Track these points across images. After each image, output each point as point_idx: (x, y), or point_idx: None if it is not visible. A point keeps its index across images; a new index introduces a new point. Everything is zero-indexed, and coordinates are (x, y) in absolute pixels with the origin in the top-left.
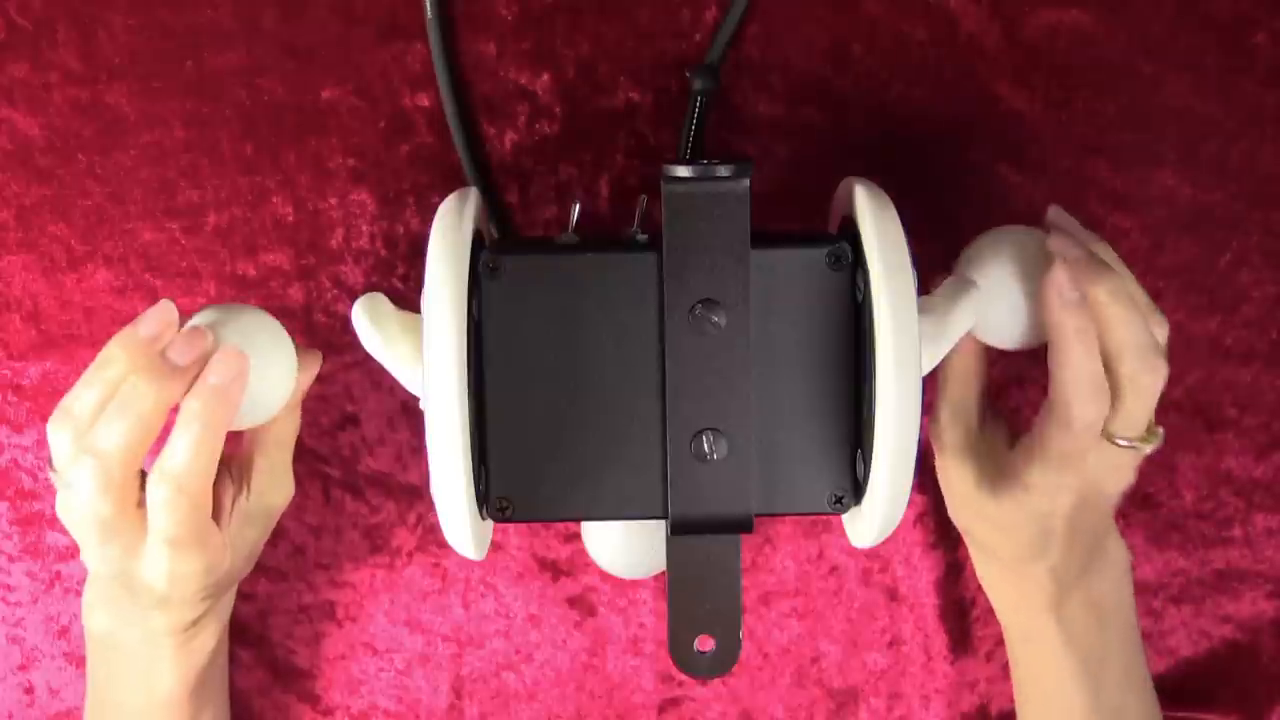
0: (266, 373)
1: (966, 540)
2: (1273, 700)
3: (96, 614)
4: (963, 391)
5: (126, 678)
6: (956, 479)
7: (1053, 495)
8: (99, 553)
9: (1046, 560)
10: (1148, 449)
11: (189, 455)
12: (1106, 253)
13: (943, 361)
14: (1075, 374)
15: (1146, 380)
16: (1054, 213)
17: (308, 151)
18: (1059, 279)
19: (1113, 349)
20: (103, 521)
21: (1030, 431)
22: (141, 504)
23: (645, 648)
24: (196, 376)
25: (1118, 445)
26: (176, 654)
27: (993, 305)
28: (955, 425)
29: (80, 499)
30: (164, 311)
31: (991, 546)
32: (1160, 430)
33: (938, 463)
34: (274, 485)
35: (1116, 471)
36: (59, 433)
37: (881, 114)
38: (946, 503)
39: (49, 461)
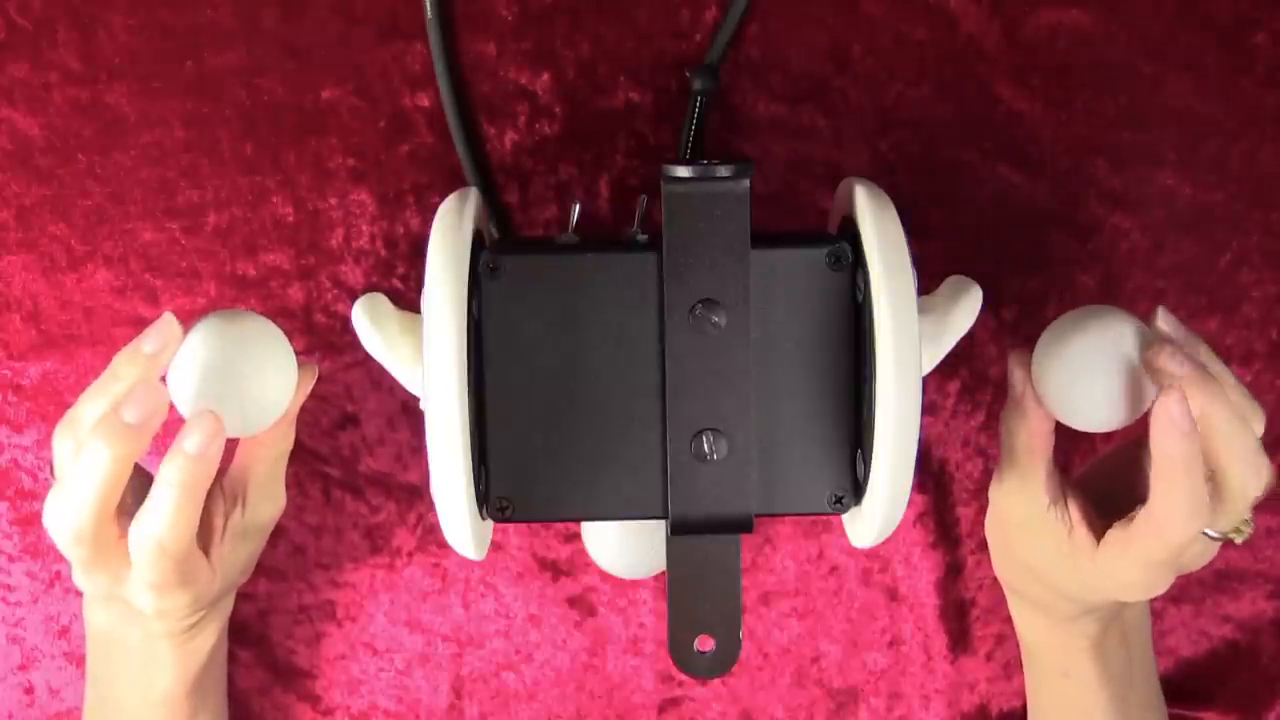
0: (265, 380)
1: (1006, 592)
2: (1273, 700)
3: (96, 611)
4: (1029, 461)
5: (125, 674)
6: (1019, 550)
7: (1141, 590)
8: (85, 578)
9: (1098, 613)
10: (1239, 540)
11: (168, 518)
12: (1206, 353)
13: (1007, 435)
14: (1179, 497)
15: (1253, 487)
16: (1163, 318)
17: (308, 151)
18: (1173, 410)
19: (1221, 459)
20: (81, 562)
21: (1123, 530)
22: (124, 537)
23: (645, 648)
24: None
25: (1210, 538)
26: (175, 653)
27: (1080, 392)
28: (1023, 499)
29: (59, 543)
30: (166, 326)
31: (1043, 605)
32: (1251, 518)
33: (996, 531)
34: (267, 499)
35: (1203, 556)
36: (63, 442)
37: (881, 114)
38: (993, 559)
39: (50, 467)
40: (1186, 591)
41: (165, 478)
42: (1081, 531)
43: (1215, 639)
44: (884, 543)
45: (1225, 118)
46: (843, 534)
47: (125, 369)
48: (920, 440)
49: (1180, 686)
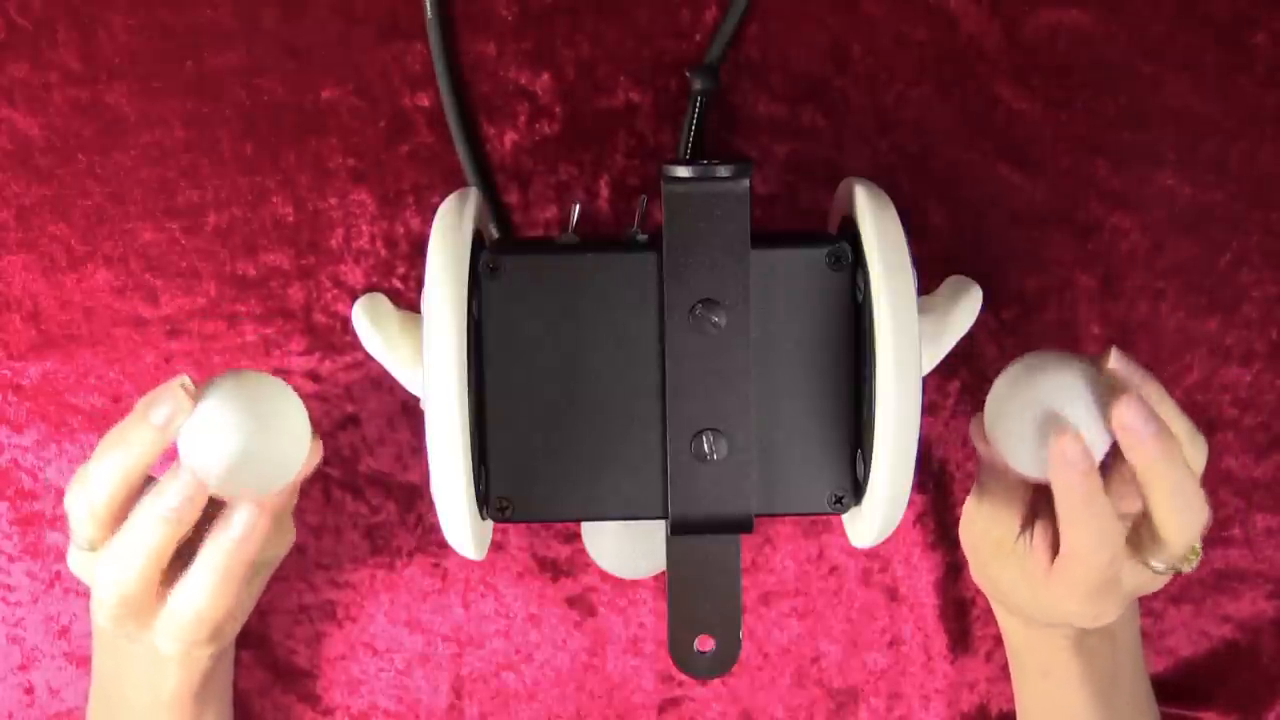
0: (283, 443)
1: (986, 595)
2: (1273, 700)
3: None
4: (1004, 503)
5: (133, 676)
6: (990, 567)
7: (1090, 618)
8: (113, 617)
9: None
10: (1187, 569)
11: (209, 597)
12: (1156, 390)
13: (983, 479)
14: (1086, 533)
15: (1190, 527)
16: (1116, 359)
17: (308, 151)
18: (1069, 451)
19: (1155, 503)
20: (125, 599)
21: (1059, 561)
22: (167, 583)
23: (645, 648)
24: (199, 506)
25: (1156, 571)
26: (183, 656)
27: (1021, 448)
28: (996, 526)
29: (107, 585)
30: (175, 397)
31: (1019, 613)
32: (1199, 548)
33: (969, 544)
34: (277, 540)
35: (1154, 581)
36: (77, 503)
37: (881, 114)
38: (970, 567)
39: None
40: (1186, 591)
41: (209, 562)
42: (1040, 557)
43: (1215, 639)
44: (884, 543)
45: (1225, 117)
46: (843, 534)
47: (135, 434)
48: (920, 440)
49: (1180, 686)
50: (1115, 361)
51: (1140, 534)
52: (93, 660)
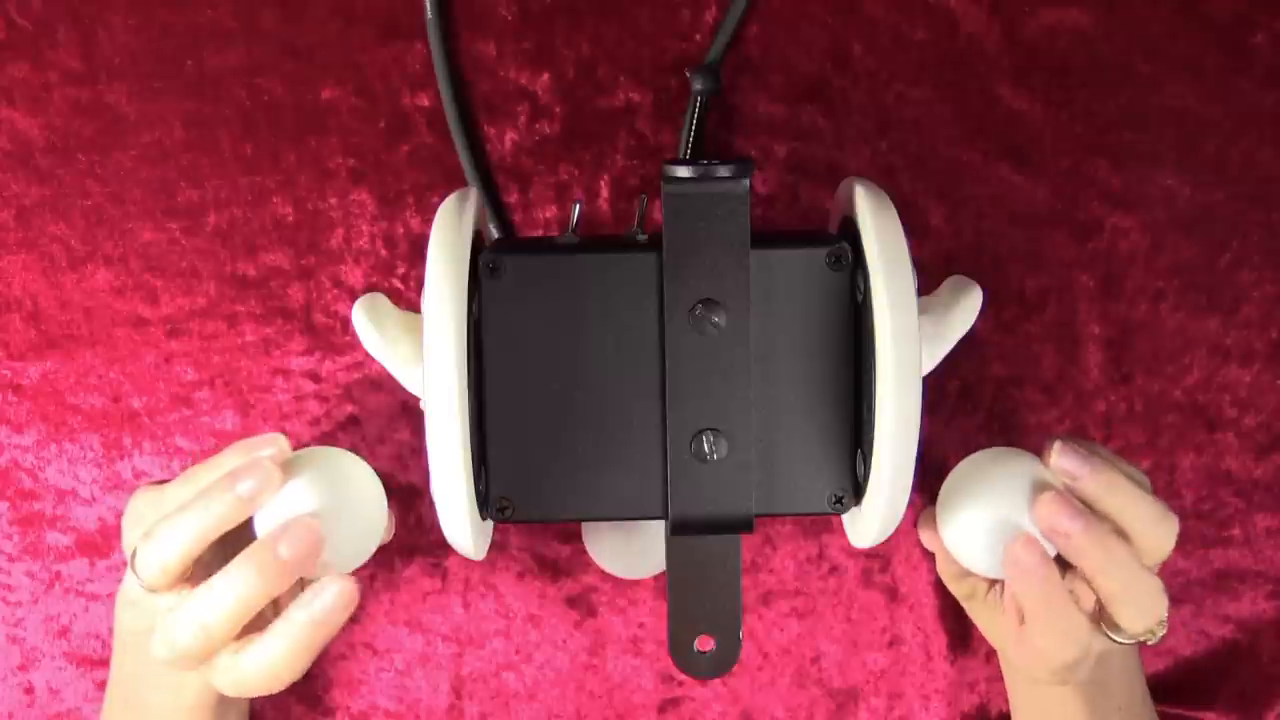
0: (366, 525)
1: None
2: (1273, 700)
3: (130, 612)
4: (965, 572)
5: (155, 677)
6: (971, 611)
7: (1059, 681)
8: (180, 657)
9: None
10: (1152, 641)
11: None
12: (1112, 459)
13: (935, 548)
14: (1049, 631)
15: (1143, 617)
16: (1059, 454)
17: (308, 151)
18: (1022, 558)
19: (1102, 595)
20: (206, 644)
21: (1026, 638)
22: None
23: (645, 648)
24: (302, 569)
25: (1120, 643)
26: None
27: (976, 549)
28: (965, 584)
29: (189, 628)
30: (267, 474)
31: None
32: (1165, 619)
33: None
34: None
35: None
36: (148, 556)
37: (881, 114)
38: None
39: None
40: (1186, 591)
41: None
42: (1010, 618)
43: (1215, 639)
44: (884, 543)
45: (1225, 118)
46: (843, 534)
47: (218, 501)
48: (920, 440)
49: (1180, 686)
50: (1057, 458)
51: (1103, 612)
52: (112, 662)
